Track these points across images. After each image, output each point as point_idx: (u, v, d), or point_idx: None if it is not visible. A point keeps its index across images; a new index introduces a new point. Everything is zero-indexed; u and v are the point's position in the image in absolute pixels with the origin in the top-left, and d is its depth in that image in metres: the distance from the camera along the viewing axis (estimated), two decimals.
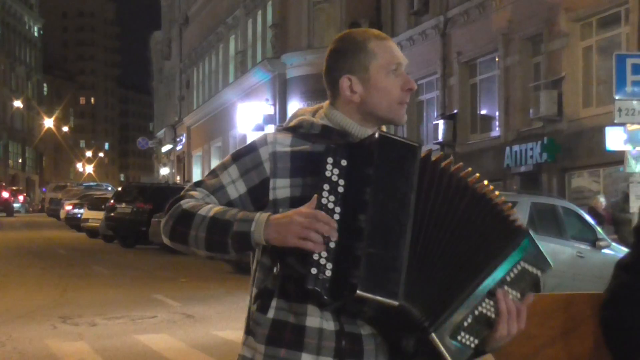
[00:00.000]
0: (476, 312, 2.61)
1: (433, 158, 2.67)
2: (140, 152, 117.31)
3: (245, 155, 2.78)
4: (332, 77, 2.82)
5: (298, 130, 2.80)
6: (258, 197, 2.74)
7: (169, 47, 64.98)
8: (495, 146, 27.23)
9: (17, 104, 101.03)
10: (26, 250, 29.56)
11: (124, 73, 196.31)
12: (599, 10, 23.38)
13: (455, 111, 29.65)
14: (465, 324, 2.60)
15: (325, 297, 2.55)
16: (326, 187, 2.59)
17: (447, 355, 2.57)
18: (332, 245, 2.56)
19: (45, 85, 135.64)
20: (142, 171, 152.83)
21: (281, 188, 2.72)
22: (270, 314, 2.68)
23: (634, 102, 17.81)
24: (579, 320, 2.99)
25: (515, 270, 2.67)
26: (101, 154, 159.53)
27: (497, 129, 28.10)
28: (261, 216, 2.62)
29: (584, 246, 15.98)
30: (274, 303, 2.68)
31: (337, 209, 2.58)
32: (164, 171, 67.26)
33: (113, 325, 13.29)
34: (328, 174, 2.59)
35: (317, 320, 2.64)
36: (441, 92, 30.68)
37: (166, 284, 19.58)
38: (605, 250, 16.25)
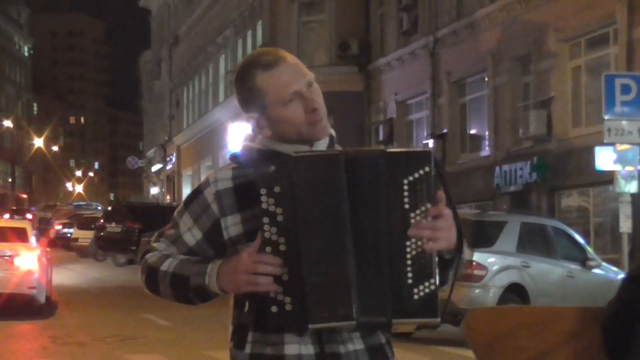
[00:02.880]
0: (409, 262, 2.57)
1: (350, 157, 2.60)
2: (130, 171, 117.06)
3: (193, 200, 2.79)
4: (243, 111, 2.80)
5: (241, 159, 2.79)
6: (214, 239, 2.75)
7: (159, 66, 64.98)
8: (484, 166, 27.27)
9: (7, 123, 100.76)
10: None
11: (113, 92, 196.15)
12: (588, 30, 23.48)
13: (444, 131, 29.70)
14: (410, 280, 2.57)
15: (294, 330, 2.58)
16: (266, 219, 2.57)
17: (419, 321, 2.61)
18: (285, 278, 2.55)
19: (35, 104, 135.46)
20: (132, 190, 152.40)
21: (233, 225, 2.72)
22: (248, 348, 2.69)
23: (624, 122, 17.87)
24: (571, 335, 2.98)
25: (406, 193, 2.58)
26: (91, 174, 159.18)
27: (486, 148, 28.15)
28: (212, 268, 2.65)
29: (574, 266, 15.99)
30: (250, 337, 2.69)
31: (282, 239, 2.56)
32: (154, 190, 67.15)
33: (103, 346, 13.26)
34: (264, 205, 2.56)
35: (295, 347, 2.64)
36: (431, 112, 30.73)
37: (156, 304, 19.46)
38: (596, 270, 16.26)
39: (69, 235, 45.69)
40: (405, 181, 2.56)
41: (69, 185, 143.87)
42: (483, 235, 14.89)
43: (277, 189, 2.55)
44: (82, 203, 78.38)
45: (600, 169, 19.60)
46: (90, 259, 37.44)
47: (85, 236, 39.78)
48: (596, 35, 23.47)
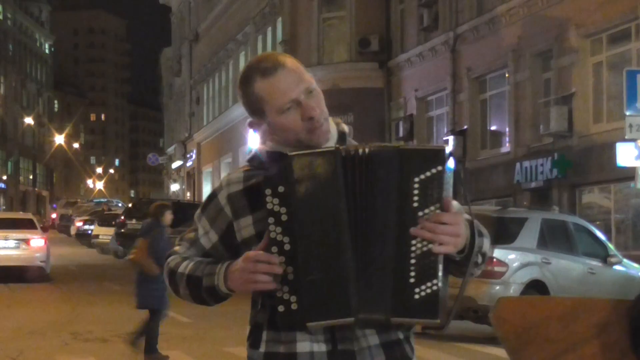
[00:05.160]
0: (412, 261, 2.55)
1: (348, 154, 2.58)
2: (151, 168, 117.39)
3: (209, 204, 2.84)
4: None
5: (253, 161, 2.83)
6: (229, 242, 2.79)
7: (179, 63, 65.10)
8: (505, 162, 27.19)
9: (28, 120, 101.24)
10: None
11: (134, 89, 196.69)
12: (609, 26, 23.36)
13: (465, 127, 29.63)
14: (412, 280, 2.55)
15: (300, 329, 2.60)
16: (271, 220, 2.58)
17: (418, 321, 2.60)
18: (290, 277, 2.57)
19: (56, 101, 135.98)
20: (153, 187, 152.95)
21: (245, 227, 2.75)
22: (262, 347, 2.72)
23: None
24: (601, 327, 2.94)
25: (416, 191, 2.56)
26: (111, 170, 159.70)
27: (507, 144, 28.07)
28: (221, 268, 2.70)
29: (595, 262, 15.92)
30: (264, 336, 2.72)
31: (286, 239, 2.58)
32: (174, 187, 67.29)
33: (124, 342, 13.29)
34: (269, 205, 2.58)
35: (307, 344, 2.65)
36: (451, 108, 30.66)
37: (176, 301, 19.49)
38: (617, 267, 16.20)
39: (89, 232, 45.88)
40: (416, 179, 2.54)
41: (89, 182, 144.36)
42: (504, 231, 14.84)
43: (280, 189, 2.57)
44: (102, 200, 78.59)
45: (621, 165, 19.53)
46: (110, 255, 37.58)
47: (106, 233, 39.93)
48: (618, 30, 23.36)
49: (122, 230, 34.74)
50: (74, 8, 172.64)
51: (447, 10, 30.64)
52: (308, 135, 2.71)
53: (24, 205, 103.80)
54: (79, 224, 52.10)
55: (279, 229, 2.57)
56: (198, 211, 2.87)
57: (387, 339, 2.68)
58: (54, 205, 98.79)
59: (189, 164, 60.89)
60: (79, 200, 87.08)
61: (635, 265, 16.90)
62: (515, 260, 14.45)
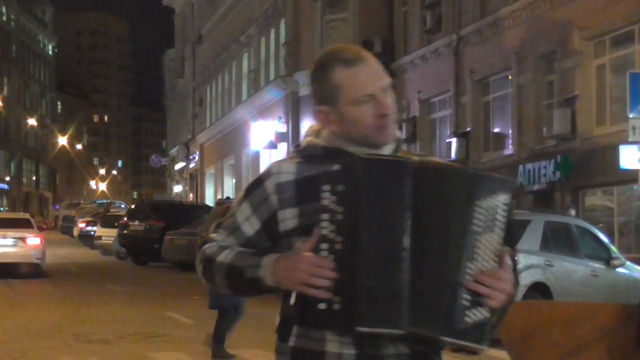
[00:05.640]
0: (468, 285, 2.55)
1: (420, 166, 2.59)
2: (153, 169, 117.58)
3: (254, 190, 2.79)
4: (313, 104, 2.81)
5: (304, 153, 2.79)
6: (271, 231, 2.75)
7: (182, 65, 65.13)
8: (508, 164, 27.18)
9: (31, 121, 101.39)
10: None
11: (137, 91, 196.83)
12: (613, 28, 23.35)
13: (468, 129, 29.63)
14: (466, 302, 2.54)
15: (338, 329, 2.57)
16: (325, 216, 2.55)
17: (466, 344, 2.57)
18: (336, 276, 2.54)
19: (59, 103, 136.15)
20: (155, 189, 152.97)
21: (290, 219, 2.71)
22: (291, 342, 2.70)
23: None
24: (605, 331, 2.94)
25: (481, 217, 2.55)
26: (114, 172, 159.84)
27: (510, 147, 28.07)
28: (268, 261, 2.64)
29: (598, 265, 15.90)
30: (294, 331, 2.69)
31: (339, 238, 2.54)
32: (177, 189, 67.33)
33: (126, 343, 13.30)
34: (325, 202, 2.55)
35: (336, 345, 2.62)
36: (454, 110, 30.66)
37: (179, 302, 19.57)
38: (620, 269, 16.18)
39: (92, 233, 45.88)
40: (483, 205, 2.54)
41: (92, 183, 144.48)
42: (506, 233, 14.80)
43: (340, 188, 2.54)
44: (105, 201, 78.61)
45: (624, 167, 19.53)
46: (113, 256, 37.60)
47: (108, 234, 39.93)
48: (621, 33, 23.35)
49: (125, 232, 34.74)
50: (77, 10, 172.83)
51: (450, 13, 30.64)
52: (376, 132, 2.70)
53: (27, 206, 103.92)
54: (81, 225, 52.11)
55: (332, 227, 2.54)
56: (239, 197, 2.83)
57: (416, 349, 2.67)
58: (57, 207, 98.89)
59: (191, 165, 60.92)
60: (81, 201, 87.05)
61: (638, 267, 16.88)
62: (517, 263, 14.41)
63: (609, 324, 2.94)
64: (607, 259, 16.08)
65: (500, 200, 2.56)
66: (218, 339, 11.55)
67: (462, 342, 2.57)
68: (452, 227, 2.54)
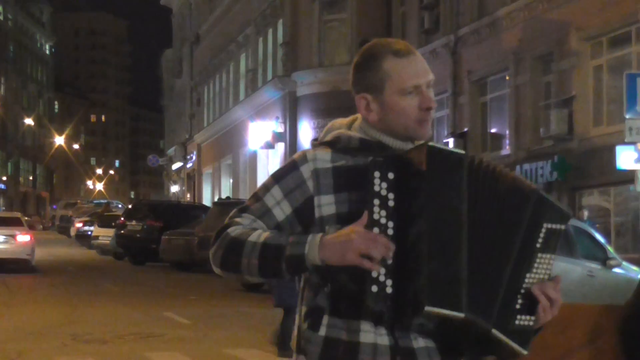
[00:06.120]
0: (522, 291, 2.64)
1: (475, 162, 2.68)
2: (151, 169, 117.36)
3: (287, 175, 2.76)
4: (354, 92, 2.81)
5: (336, 145, 2.77)
6: (304, 216, 2.73)
7: (180, 65, 65.15)
8: (505, 165, 26.66)
9: (29, 121, 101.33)
10: (36, 268, 29.59)
11: (135, 91, 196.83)
12: (610, 29, 23.38)
13: (465, 129, 29.65)
14: (518, 306, 2.63)
15: (388, 315, 2.58)
16: (376, 201, 2.57)
17: (513, 345, 2.62)
18: (389, 261, 2.56)
19: (56, 103, 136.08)
20: (153, 189, 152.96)
21: (326, 205, 2.71)
22: (322, 331, 2.68)
23: None
24: (597, 333, 2.95)
25: (542, 234, 2.67)
26: (112, 172, 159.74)
27: (507, 147, 28.09)
28: (315, 238, 2.61)
29: (594, 265, 15.93)
30: (325, 320, 2.68)
31: (390, 223, 2.57)
32: (174, 189, 67.33)
33: (123, 343, 13.30)
34: (377, 188, 2.57)
35: (371, 335, 2.63)
36: (451, 111, 30.69)
37: (176, 302, 19.57)
38: (616, 270, 16.20)
39: (89, 233, 45.85)
40: (548, 226, 2.70)
41: (89, 183, 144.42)
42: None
43: (390, 175, 2.58)
44: (103, 201, 78.59)
45: (621, 168, 19.56)
46: (110, 256, 37.60)
47: (105, 234, 39.90)
48: (618, 34, 23.39)
49: (122, 232, 34.72)
50: (75, 9, 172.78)
51: (448, 13, 30.66)
52: (417, 125, 2.75)
53: (24, 206, 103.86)
54: (78, 225, 52.07)
55: (383, 212, 2.57)
56: (269, 180, 2.79)
57: (443, 345, 2.70)
58: (54, 206, 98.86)
59: (189, 165, 60.93)
60: (79, 201, 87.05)
61: (635, 268, 16.90)
62: None
63: (600, 325, 2.95)
64: (604, 260, 16.11)
65: (562, 228, 2.74)
66: (284, 345, 11.43)
67: (509, 342, 2.62)
68: (510, 235, 2.66)
